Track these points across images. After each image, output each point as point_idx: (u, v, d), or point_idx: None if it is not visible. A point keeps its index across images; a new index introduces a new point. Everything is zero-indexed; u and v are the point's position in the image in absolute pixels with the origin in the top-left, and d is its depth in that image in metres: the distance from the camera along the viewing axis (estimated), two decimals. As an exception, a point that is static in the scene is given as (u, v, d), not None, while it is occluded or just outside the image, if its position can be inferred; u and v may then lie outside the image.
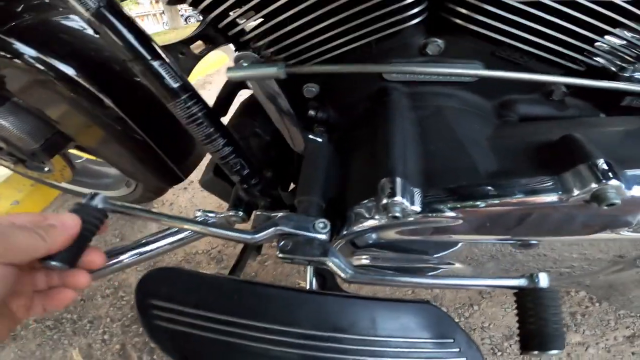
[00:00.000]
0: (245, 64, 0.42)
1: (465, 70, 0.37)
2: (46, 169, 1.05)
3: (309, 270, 0.67)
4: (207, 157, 0.81)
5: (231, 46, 0.88)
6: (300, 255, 0.40)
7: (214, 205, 1.30)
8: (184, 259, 1.13)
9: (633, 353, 0.81)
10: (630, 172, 0.32)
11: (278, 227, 0.41)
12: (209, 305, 0.42)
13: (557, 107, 0.49)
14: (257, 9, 0.42)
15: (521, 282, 0.35)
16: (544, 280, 0.34)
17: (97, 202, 0.40)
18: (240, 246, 1.13)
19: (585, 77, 0.42)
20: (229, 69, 0.43)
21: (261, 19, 0.44)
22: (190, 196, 1.38)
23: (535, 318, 0.35)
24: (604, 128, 0.42)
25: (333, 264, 0.39)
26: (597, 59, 0.43)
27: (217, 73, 2.76)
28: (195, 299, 0.42)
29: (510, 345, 0.85)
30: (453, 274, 0.53)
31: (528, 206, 0.33)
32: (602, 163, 0.31)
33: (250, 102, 0.72)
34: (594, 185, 0.31)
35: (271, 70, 0.40)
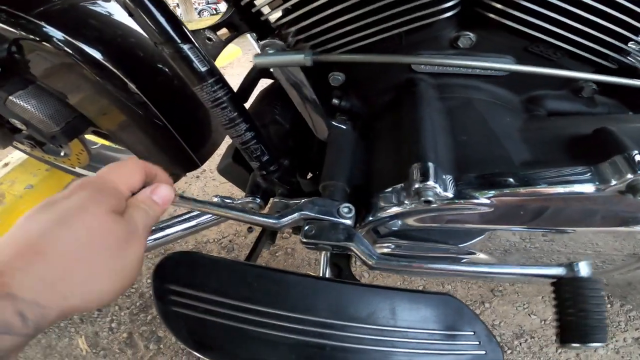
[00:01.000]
0: (271, 51, 0.42)
1: (498, 64, 0.37)
2: (62, 153, 1.06)
3: (323, 260, 0.67)
4: (222, 147, 0.82)
5: (249, 37, 0.88)
6: (325, 240, 0.40)
7: (226, 194, 1.31)
8: (195, 247, 1.14)
9: (642, 355, 0.82)
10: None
11: (303, 212, 0.41)
12: (229, 291, 0.41)
13: (585, 103, 0.49)
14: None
15: (559, 270, 0.34)
16: (584, 269, 0.34)
17: None
18: (251, 236, 1.14)
19: (617, 75, 0.42)
20: (256, 55, 0.43)
21: (288, 7, 0.44)
22: (203, 184, 1.39)
23: (576, 309, 0.34)
24: (634, 124, 0.41)
25: (358, 249, 0.39)
26: (630, 57, 0.42)
27: (231, 66, 2.77)
28: (215, 285, 0.42)
29: (520, 344, 0.85)
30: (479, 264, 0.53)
31: (563, 196, 0.33)
32: (637, 154, 0.31)
33: (270, 90, 0.73)
34: (629, 176, 0.31)
35: (298, 58, 0.40)
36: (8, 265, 0.25)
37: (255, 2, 0.51)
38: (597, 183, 0.32)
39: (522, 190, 0.33)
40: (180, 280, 0.42)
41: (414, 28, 0.41)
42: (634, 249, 0.48)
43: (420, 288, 0.94)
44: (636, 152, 0.31)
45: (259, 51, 0.98)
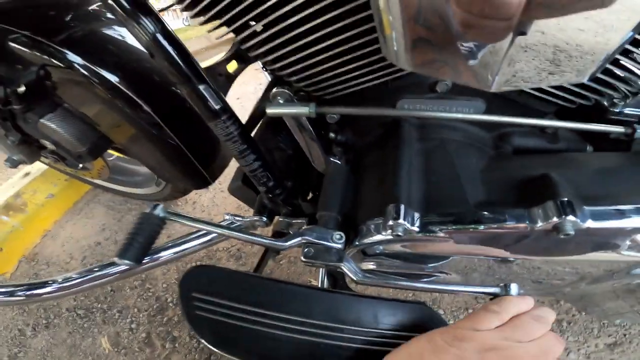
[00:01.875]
0: (281, 101, 0.50)
1: (465, 115, 0.45)
2: (80, 166, 1.14)
3: (321, 271, 0.76)
4: (232, 164, 0.89)
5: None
6: (321, 260, 0.49)
7: (234, 206, 1.39)
8: (206, 255, 1.22)
9: (612, 360, 0.87)
10: (588, 209, 0.40)
11: (304, 237, 0.50)
12: (242, 298, 0.50)
13: (548, 139, 0.55)
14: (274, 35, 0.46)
15: (497, 290, 0.44)
16: (514, 290, 0.43)
17: (159, 212, 0.50)
18: (257, 246, 1.23)
19: (577, 113, 0.49)
20: (268, 105, 0.50)
21: (287, 63, 0.48)
22: (212, 196, 1.47)
23: None
24: (583, 166, 0.48)
25: (346, 268, 0.48)
26: (589, 97, 0.49)
27: (235, 83, 2.83)
28: (231, 293, 0.50)
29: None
30: (449, 281, 0.62)
31: (501, 232, 0.42)
32: (565, 201, 0.39)
33: (275, 118, 0.80)
34: (555, 219, 0.39)
35: (304, 110, 0.48)
36: None
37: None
38: (528, 223, 0.41)
39: (470, 227, 0.42)
40: (201, 289, 0.50)
41: (399, 76, 0.48)
42: (610, 265, 0.55)
43: (411, 295, 1.01)
44: (565, 199, 0.39)
45: (268, 76, 1.05)
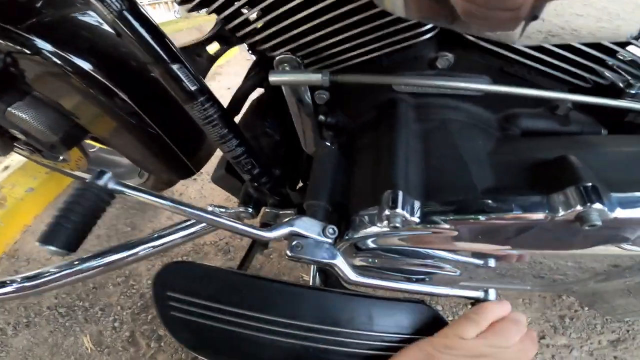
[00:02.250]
0: (287, 68, 0.44)
1: (473, 84, 0.39)
2: (61, 158, 1.09)
3: (313, 267, 0.70)
4: (218, 152, 0.84)
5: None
6: (310, 256, 0.43)
7: (222, 197, 1.34)
8: (193, 249, 1.17)
9: (615, 357, 0.85)
10: (616, 196, 0.34)
11: (292, 228, 0.44)
12: (222, 298, 0.45)
13: (560, 121, 0.50)
14: (266, 11, 0.43)
15: (478, 294, 0.41)
16: (492, 295, 0.40)
17: (106, 182, 0.38)
18: (247, 239, 1.18)
19: (592, 93, 0.45)
20: (272, 72, 0.44)
21: (276, 29, 0.45)
22: (200, 187, 1.42)
23: None
24: (602, 148, 0.44)
25: (338, 268, 0.43)
26: (605, 75, 0.44)
27: (227, 64, 2.77)
28: (209, 292, 0.45)
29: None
30: (446, 278, 0.57)
31: (516, 223, 0.36)
32: (589, 187, 0.34)
33: (260, 101, 0.75)
34: (578, 207, 0.33)
35: (315, 77, 0.41)
36: None
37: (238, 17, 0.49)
38: (547, 212, 0.35)
39: (480, 217, 0.36)
40: (177, 288, 0.45)
41: (396, 49, 0.43)
42: (615, 260, 0.51)
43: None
44: (589, 184, 0.33)
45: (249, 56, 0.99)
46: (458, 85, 0.43)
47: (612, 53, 0.43)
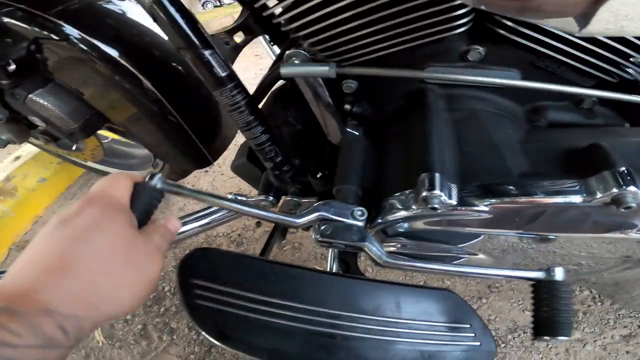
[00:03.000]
0: (297, 62, 0.45)
1: (504, 80, 0.40)
2: (74, 147, 1.09)
3: (330, 256, 0.71)
4: (231, 148, 0.85)
5: (262, 40, 0.90)
6: (340, 239, 0.43)
7: (234, 189, 1.34)
8: (205, 241, 1.18)
9: (627, 352, 0.86)
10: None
11: (320, 213, 0.44)
12: (248, 285, 0.44)
13: (585, 115, 0.51)
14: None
15: (539, 274, 0.39)
16: (559, 274, 0.38)
17: (156, 182, 0.43)
18: (259, 231, 1.18)
19: (617, 88, 0.45)
20: (282, 65, 0.45)
21: (305, 21, 0.45)
22: (211, 179, 1.42)
23: (549, 308, 0.39)
24: (628, 138, 0.45)
25: (369, 249, 0.43)
26: (630, 71, 0.45)
27: (237, 59, 2.78)
28: (236, 279, 0.45)
29: (513, 338, 0.90)
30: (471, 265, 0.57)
31: (554, 206, 0.37)
32: (624, 171, 0.35)
33: (282, 91, 0.75)
34: (614, 190, 0.34)
35: (322, 70, 0.43)
36: (39, 282, 0.26)
37: (268, 5, 0.50)
38: (585, 195, 0.36)
39: (518, 199, 0.37)
40: (203, 275, 0.44)
41: (428, 41, 0.44)
42: (627, 251, 0.52)
43: (421, 283, 0.98)
44: (623, 168, 0.34)
45: (269, 51, 1.00)
46: (488, 80, 0.43)
47: (638, 49, 0.44)
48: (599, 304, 0.94)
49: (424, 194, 0.36)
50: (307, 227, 0.48)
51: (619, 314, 0.92)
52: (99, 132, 1.10)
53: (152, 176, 0.44)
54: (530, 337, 0.88)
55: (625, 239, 0.45)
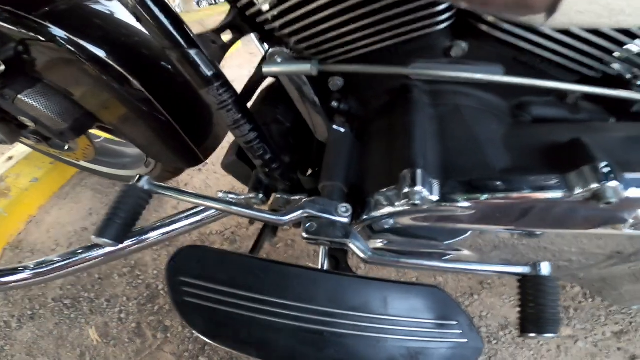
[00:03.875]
0: (279, 60, 0.45)
1: (486, 75, 0.40)
2: (66, 147, 1.09)
3: (322, 252, 0.71)
4: (223, 146, 0.85)
5: (253, 35, 0.90)
6: (324, 236, 0.44)
7: (228, 187, 1.34)
8: (199, 239, 1.17)
9: (619, 348, 0.86)
10: (628, 176, 0.35)
11: (305, 210, 0.45)
12: (237, 282, 0.45)
13: (569, 110, 0.51)
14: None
15: (525, 269, 0.39)
16: (545, 269, 0.38)
17: (144, 184, 0.44)
18: (252, 228, 1.18)
19: (600, 83, 0.46)
20: (265, 64, 0.45)
21: (290, 19, 0.45)
22: (205, 177, 1.42)
23: (535, 303, 0.39)
24: (611, 133, 0.45)
25: (354, 245, 0.43)
26: (613, 67, 0.45)
27: (231, 57, 2.77)
28: (224, 276, 0.45)
29: (505, 335, 0.90)
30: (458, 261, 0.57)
31: (535, 201, 0.37)
32: (604, 166, 0.35)
33: (271, 89, 0.75)
34: (594, 185, 0.34)
35: (304, 67, 0.43)
36: None
37: (254, 2, 0.51)
38: (565, 190, 0.36)
39: (499, 195, 0.37)
40: (191, 273, 0.45)
41: (411, 38, 0.44)
42: (617, 247, 0.52)
43: (413, 280, 0.98)
44: (603, 164, 0.35)
45: (260, 49, 1.00)
46: (471, 76, 0.44)
47: (620, 45, 0.44)
48: (590, 300, 0.95)
49: (406, 190, 0.36)
50: (298, 225, 0.48)
51: (610, 311, 0.92)
52: (91, 131, 1.10)
53: (139, 178, 0.46)
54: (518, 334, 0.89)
55: (615, 235, 0.46)
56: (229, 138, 0.79)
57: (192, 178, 1.41)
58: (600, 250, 0.54)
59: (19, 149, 1.35)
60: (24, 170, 1.30)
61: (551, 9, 0.22)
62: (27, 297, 1.06)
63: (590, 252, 0.54)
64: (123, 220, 0.45)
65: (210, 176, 1.43)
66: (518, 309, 0.42)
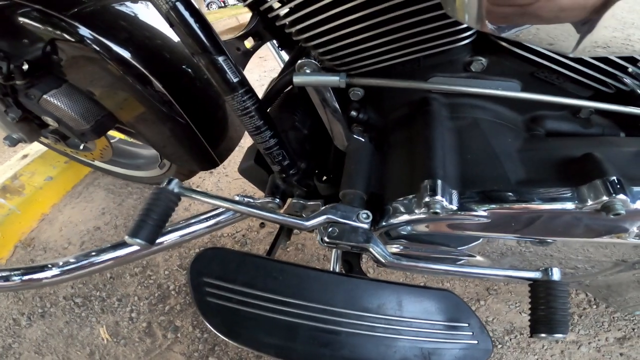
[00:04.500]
0: (308, 71, 0.47)
1: (505, 91, 0.42)
2: (82, 147, 1.11)
3: (333, 257, 0.73)
4: (236, 150, 0.87)
5: (270, 46, 0.92)
6: (346, 241, 0.46)
7: (239, 191, 1.36)
8: (210, 241, 1.19)
9: (621, 354, 0.88)
10: (636, 189, 0.38)
11: (327, 216, 0.47)
12: (257, 284, 0.46)
13: (582, 124, 0.54)
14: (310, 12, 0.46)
15: (537, 274, 0.41)
16: (556, 274, 0.41)
17: (173, 187, 0.46)
18: (263, 232, 1.20)
19: (613, 100, 0.48)
20: (295, 75, 0.47)
21: (315, 33, 0.47)
22: (216, 180, 1.44)
23: (546, 306, 0.41)
24: (622, 148, 0.47)
25: (374, 250, 0.45)
26: (626, 82, 0.47)
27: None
28: (245, 278, 0.47)
29: (510, 339, 0.92)
30: (472, 265, 0.59)
31: (548, 212, 0.39)
32: (614, 179, 0.37)
33: (290, 97, 0.77)
34: (604, 198, 0.37)
35: (333, 80, 0.45)
36: None
37: (280, 15, 0.52)
38: (577, 202, 0.38)
39: (514, 205, 0.39)
40: (213, 274, 0.47)
41: (433, 52, 0.46)
42: (622, 255, 0.54)
43: (421, 284, 1.00)
44: (613, 177, 0.37)
45: (278, 59, 1.03)
46: (490, 91, 0.45)
47: (634, 62, 0.46)
48: (595, 306, 0.96)
49: (427, 199, 0.39)
50: (311, 229, 0.50)
51: (613, 317, 0.94)
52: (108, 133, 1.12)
53: (169, 181, 0.48)
54: (527, 335, 0.90)
55: (621, 244, 0.48)
56: (241, 143, 0.81)
57: (204, 181, 1.43)
58: (606, 258, 0.55)
59: (34, 147, 1.37)
60: (38, 169, 1.32)
61: (578, 42, 0.24)
62: (38, 295, 1.07)
63: (595, 260, 0.56)
64: (155, 221, 0.46)
65: (222, 179, 1.45)
66: (529, 311, 0.44)
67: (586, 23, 0.25)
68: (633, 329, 0.92)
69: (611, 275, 0.60)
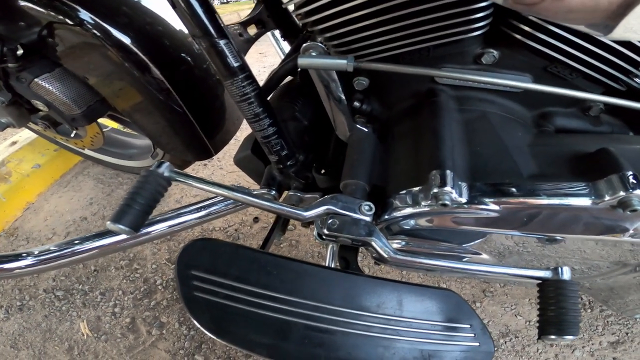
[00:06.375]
0: (314, 54, 0.45)
1: (517, 82, 0.41)
2: (73, 134, 1.07)
3: (329, 253, 0.71)
4: (232, 143, 0.84)
5: (270, 35, 0.90)
6: (346, 234, 0.43)
7: (234, 183, 1.33)
8: (201, 235, 1.16)
9: (614, 358, 0.88)
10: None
11: (328, 206, 0.44)
12: (249, 278, 0.43)
13: (591, 122, 0.52)
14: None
15: (547, 273, 0.40)
16: (567, 274, 0.39)
17: (164, 170, 0.43)
18: (256, 226, 1.18)
19: (625, 96, 0.46)
20: (300, 56, 0.45)
21: (322, 16, 0.45)
22: (210, 172, 1.41)
23: (556, 307, 0.39)
24: (633, 145, 0.46)
25: (377, 244, 0.43)
26: (637, 80, 0.46)
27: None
28: (236, 271, 0.44)
29: (505, 342, 0.91)
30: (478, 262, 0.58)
31: (563, 207, 0.38)
32: (631, 175, 0.36)
33: (291, 87, 0.75)
34: (622, 193, 0.35)
35: (340, 63, 0.43)
36: None
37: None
38: (593, 197, 0.37)
39: (527, 199, 0.37)
40: (203, 267, 0.44)
41: (443, 43, 0.44)
42: (619, 257, 0.53)
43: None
44: (630, 172, 0.35)
45: (278, 50, 1.00)
46: (502, 82, 0.44)
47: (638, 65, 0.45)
48: (589, 310, 0.96)
49: (435, 190, 0.37)
50: (307, 224, 0.48)
51: (607, 321, 0.94)
52: (99, 121, 1.08)
53: (160, 164, 0.44)
54: (523, 338, 0.89)
55: (627, 243, 0.46)
56: (237, 136, 0.78)
57: (197, 173, 1.40)
58: (602, 260, 0.54)
59: (24, 134, 1.33)
60: (27, 156, 1.28)
61: (612, 24, 0.23)
62: (17, 287, 1.03)
63: (593, 261, 0.55)
64: (141, 206, 0.42)
65: (216, 172, 1.42)
66: (537, 312, 0.42)
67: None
68: (627, 333, 0.92)
69: (613, 278, 0.59)
